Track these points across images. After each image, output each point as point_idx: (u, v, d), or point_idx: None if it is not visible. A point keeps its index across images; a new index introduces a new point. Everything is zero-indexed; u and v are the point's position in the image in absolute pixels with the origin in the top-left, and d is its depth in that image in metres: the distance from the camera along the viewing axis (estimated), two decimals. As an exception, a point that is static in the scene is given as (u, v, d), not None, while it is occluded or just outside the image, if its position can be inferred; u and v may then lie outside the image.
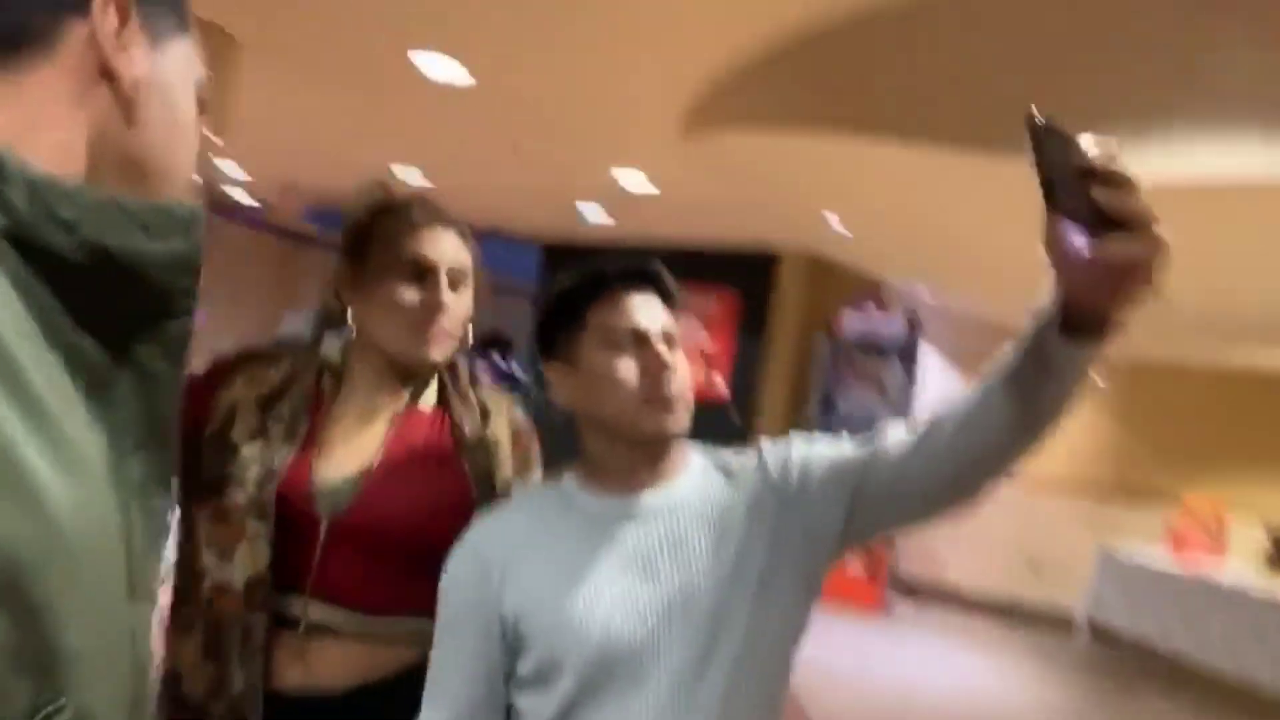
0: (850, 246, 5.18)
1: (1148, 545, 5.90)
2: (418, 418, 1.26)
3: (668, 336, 1.10)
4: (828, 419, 6.40)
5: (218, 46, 3.28)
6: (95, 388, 0.57)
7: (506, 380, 13.19)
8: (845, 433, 1.14)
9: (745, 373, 6.62)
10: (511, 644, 1.05)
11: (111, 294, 0.57)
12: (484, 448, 1.27)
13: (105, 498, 0.56)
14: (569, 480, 1.14)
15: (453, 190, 5.91)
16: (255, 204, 8.26)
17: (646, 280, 1.12)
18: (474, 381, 1.34)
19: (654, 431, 1.06)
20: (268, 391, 1.21)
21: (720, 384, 6.54)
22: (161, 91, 0.63)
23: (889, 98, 2.98)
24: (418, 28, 3.17)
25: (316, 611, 1.15)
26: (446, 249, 1.22)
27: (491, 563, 1.06)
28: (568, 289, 1.12)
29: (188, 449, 1.16)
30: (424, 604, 1.10)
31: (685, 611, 1.01)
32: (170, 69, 0.63)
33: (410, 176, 5.78)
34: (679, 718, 0.98)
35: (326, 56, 3.62)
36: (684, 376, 1.08)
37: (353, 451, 1.20)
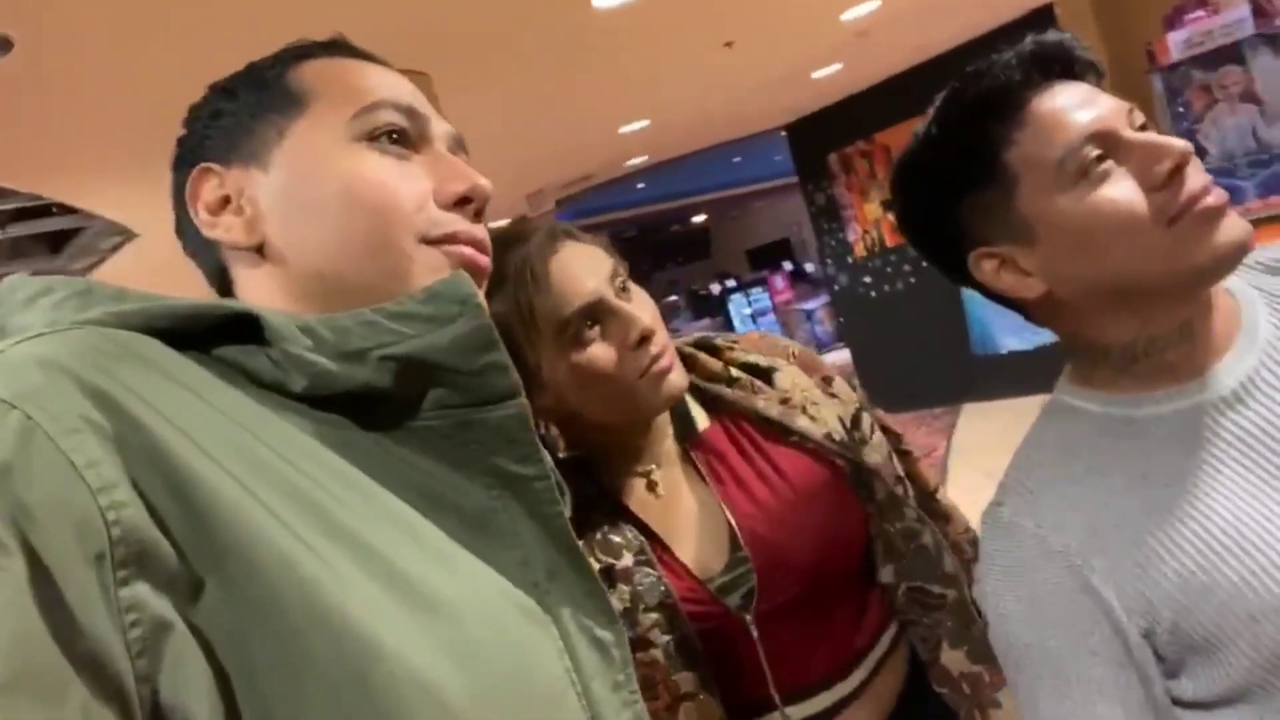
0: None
1: None
2: (715, 442, 1.00)
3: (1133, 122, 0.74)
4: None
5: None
6: (471, 525, 0.53)
7: (802, 283, 12.84)
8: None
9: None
10: (1163, 657, 0.70)
11: (425, 409, 0.54)
12: (795, 408, 0.99)
13: (533, 643, 0.52)
14: (1068, 398, 0.79)
15: (681, 120, 5.65)
16: (505, 223, 8.37)
17: (1057, 67, 0.75)
18: (713, 351, 1.04)
19: (1221, 249, 0.68)
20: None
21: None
22: (293, 204, 0.58)
23: None
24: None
25: (798, 712, 0.94)
26: (593, 264, 0.93)
27: (1071, 556, 0.72)
28: (950, 143, 0.75)
29: None
30: (879, 620, 0.97)
31: None
32: (293, 169, 0.58)
33: (638, 126, 5.57)
34: None
35: (511, 51, 3.46)
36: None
37: (696, 527, 0.96)
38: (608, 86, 4.50)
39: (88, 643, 0.38)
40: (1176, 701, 0.71)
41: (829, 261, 7.09)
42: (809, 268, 12.97)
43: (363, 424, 0.53)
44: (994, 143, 0.73)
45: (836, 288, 7.10)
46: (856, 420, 1.01)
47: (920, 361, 6.42)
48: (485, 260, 0.61)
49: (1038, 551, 0.73)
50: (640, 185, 9.59)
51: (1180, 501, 0.70)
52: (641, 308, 0.93)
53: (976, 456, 5.06)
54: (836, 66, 5.41)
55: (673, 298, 15.05)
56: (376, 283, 0.57)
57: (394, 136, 0.60)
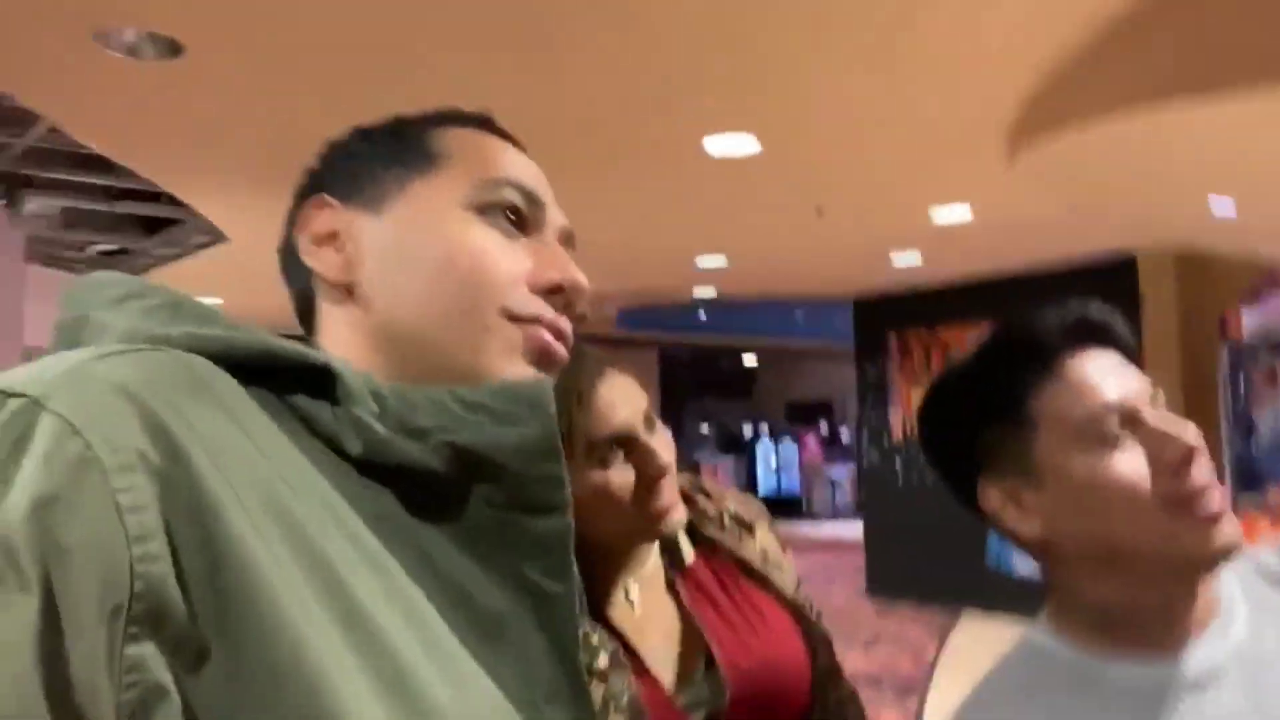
0: (1233, 231, 4.32)
1: None
2: (700, 576, 1.08)
3: (1155, 404, 0.77)
4: (1247, 444, 5.25)
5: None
6: (484, 628, 0.51)
7: (834, 448, 12.79)
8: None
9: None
10: None
11: (470, 501, 0.52)
12: (772, 565, 1.11)
13: None
14: (1042, 638, 0.81)
15: (758, 267, 5.82)
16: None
17: (1095, 335, 0.80)
18: (707, 496, 1.14)
19: (1212, 551, 0.72)
20: None
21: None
22: (394, 254, 0.58)
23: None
24: (710, 112, 3.11)
25: None
26: (631, 398, 0.99)
27: None
28: (985, 379, 0.81)
29: None
30: None
31: None
32: (404, 222, 0.59)
33: (715, 263, 5.75)
34: None
35: (617, 157, 3.65)
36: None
37: (667, 645, 1.03)
38: (696, 219, 4.68)
39: (78, 699, 0.37)
40: None
41: (865, 435, 7.11)
42: (844, 435, 12.95)
43: (403, 499, 0.51)
44: (1024, 389, 0.78)
45: (866, 463, 7.09)
46: (797, 584, 1.13)
47: (932, 557, 6.33)
48: (563, 352, 0.60)
49: None
50: (701, 315, 9.78)
51: None
52: (663, 446, 1.00)
53: (966, 666, 4.93)
54: (916, 255, 5.57)
55: (704, 428, 15.06)
56: (451, 347, 0.56)
57: (509, 216, 0.60)
